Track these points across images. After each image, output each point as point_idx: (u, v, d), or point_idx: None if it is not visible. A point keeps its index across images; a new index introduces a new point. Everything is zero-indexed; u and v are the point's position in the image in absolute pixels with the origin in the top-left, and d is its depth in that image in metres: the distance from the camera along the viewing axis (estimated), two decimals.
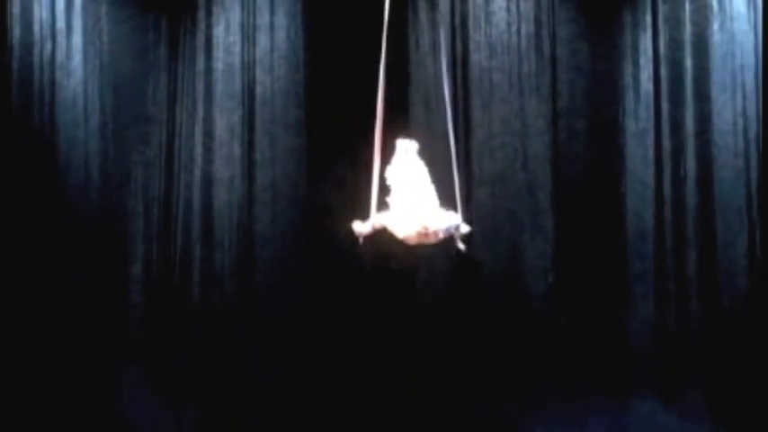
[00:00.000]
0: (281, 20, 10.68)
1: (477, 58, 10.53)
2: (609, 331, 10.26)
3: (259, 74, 10.62)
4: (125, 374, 10.34)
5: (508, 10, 10.56)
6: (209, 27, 10.72)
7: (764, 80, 10.20)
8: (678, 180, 10.33)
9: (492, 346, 10.30)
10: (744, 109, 10.24)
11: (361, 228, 7.73)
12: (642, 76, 10.42)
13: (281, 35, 10.68)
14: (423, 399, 10.28)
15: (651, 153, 10.37)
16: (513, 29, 10.55)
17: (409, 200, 7.63)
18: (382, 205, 7.80)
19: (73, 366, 10.18)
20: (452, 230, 7.68)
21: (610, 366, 10.21)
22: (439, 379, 10.29)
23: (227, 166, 10.60)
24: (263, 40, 10.68)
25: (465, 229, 7.84)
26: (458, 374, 10.31)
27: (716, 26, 10.28)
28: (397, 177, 7.75)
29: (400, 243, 7.77)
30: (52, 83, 10.46)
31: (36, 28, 10.39)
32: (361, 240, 7.70)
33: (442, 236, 7.61)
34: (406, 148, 7.92)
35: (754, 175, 10.19)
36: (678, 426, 10.08)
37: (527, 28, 10.55)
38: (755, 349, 10.03)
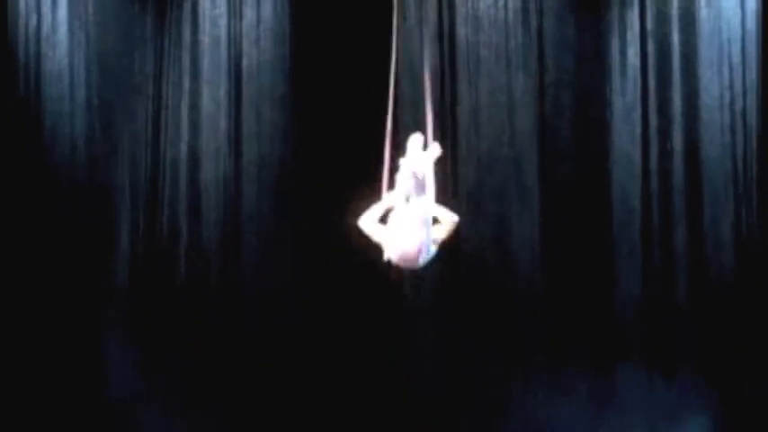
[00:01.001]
0: None
1: (464, 32, 10.49)
2: (595, 306, 10.29)
3: (246, 47, 10.57)
4: (110, 348, 10.33)
5: None
6: None
7: (757, 54, 10.23)
8: (665, 155, 10.35)
9: (479, 322, 10.31)
10: (731, 84, 10.26)
11: (368, 218, 7.35)
12: (629, 51, 10.40)
13: (267, 8, 10.62)
14: (410, 371, 10.30)
15: (638, 128, 10.37)
16: (501, 3, 10.50)
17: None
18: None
19: (58, 339, 10.17)
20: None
21: (596, 341, 10.24)
22: (426, 353, 10.31)
23: (213, 140, 10.57)
24: (249, 13, 10.62)
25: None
26: (445, 350, 10.33)
27: (703, 1, 10.26)
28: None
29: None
30: (38, 56, 10.42)
31: (21, 2, 10.35)
32: (385, 257, 7.24)
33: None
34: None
35: (740, 150, 10.21)
36: (664, 397, 10.14)
37: (514, 2, 10.50)
38: (742, 323, 10.09)
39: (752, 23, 10.24)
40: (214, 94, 10.59)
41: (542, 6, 10.48)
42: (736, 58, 10.25)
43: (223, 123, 10.57)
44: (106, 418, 10.22)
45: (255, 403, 10.28)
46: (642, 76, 10.36)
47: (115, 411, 10.24)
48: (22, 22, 10.37)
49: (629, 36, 10.40)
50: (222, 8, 10.62)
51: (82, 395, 10.23)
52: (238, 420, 10.31)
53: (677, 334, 10.20)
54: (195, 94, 10.62)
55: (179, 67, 10.64)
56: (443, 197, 7.51)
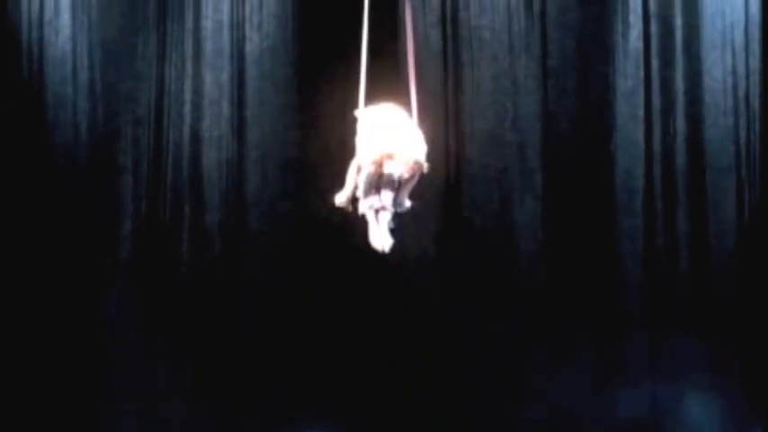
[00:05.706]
0: None
1: (467, 15, 10.50)
2: (598, 289, 10.30)
3: (248, 31, 10.57)
4: (114, 332, 10.34)
5: None
6: None
7: (761, 38, 10.25)
8: (667, 138, 10.39)
9: (481, 304, 10.32)
10: (733, 67, 10.31)
11: (343, 193, 7.56)
12: (632, 33, 10.42)
13: None
14: (412, 353, 10.31)
15: (641, 111, 10.40)
16: None
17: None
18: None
19: (62, 323, 10.19)
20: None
21: (599, 322, 10.27)
22: (428, 334, 10.31)
23: (216, 125, 10.56)
24: None
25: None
26: (447, 331, 10.34)
27: None
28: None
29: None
30: (40, 40, 10.42)
31: None
32: (349, 208, 7.55)
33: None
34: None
35: (743, 133, 10.28)
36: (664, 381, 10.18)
37: None
38: (743, 306, 10.12)
39: (755, 8, 10.32)
40: (217, 79, 10.58)
41: None
42: (739, 43, 10.32)
43: (226, 108, 10.56)
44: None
45: (259, 381, 10.32)
46: (645, 58, 10.38)
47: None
48: (24, 6, 10.37)
49: (631, 19, 10.40)
50: None
51: (86, 382, 10.26)
52: (243, 411, 10.36)
53: (679, 316, 10.23)
54: (198, 78, 10.60)
55: (182, 51, 10.61)
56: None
